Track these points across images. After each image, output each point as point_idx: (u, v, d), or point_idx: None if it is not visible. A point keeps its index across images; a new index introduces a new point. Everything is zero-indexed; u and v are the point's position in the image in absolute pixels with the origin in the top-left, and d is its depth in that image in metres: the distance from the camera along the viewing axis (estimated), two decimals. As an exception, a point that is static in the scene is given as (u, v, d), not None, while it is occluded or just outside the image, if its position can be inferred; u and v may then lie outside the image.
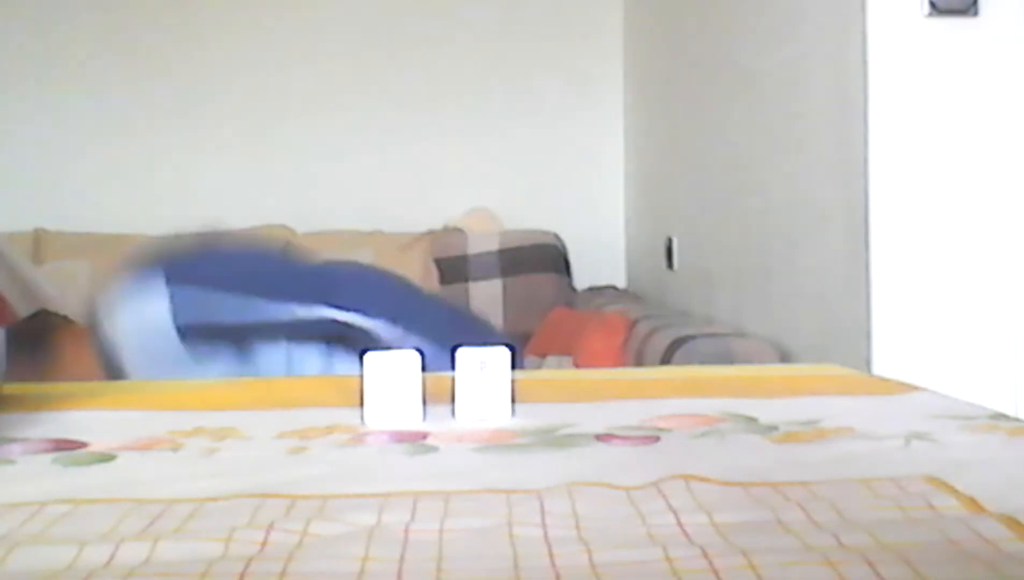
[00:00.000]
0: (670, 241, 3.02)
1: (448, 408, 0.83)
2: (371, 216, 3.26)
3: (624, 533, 0.50)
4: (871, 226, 1.78)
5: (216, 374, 1.42)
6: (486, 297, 3.11)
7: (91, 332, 1.46)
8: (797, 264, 2.13)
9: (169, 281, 1.41)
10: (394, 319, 1.41)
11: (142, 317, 1.42)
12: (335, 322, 1.40)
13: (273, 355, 1.44)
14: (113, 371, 1.46)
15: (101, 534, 0.51)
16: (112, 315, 1.45)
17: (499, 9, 3.46)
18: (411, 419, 0.81)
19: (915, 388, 0.95)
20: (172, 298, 1.40)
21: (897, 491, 0.57)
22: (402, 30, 3.42)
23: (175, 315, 1.39)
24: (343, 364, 1.42)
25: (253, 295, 1.42)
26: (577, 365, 2.38)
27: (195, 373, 1.41)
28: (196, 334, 1.41)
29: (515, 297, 3.09)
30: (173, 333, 1.40)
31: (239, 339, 1.43)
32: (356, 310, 1.40)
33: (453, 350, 1.12)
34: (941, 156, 1.77)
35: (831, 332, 1.96)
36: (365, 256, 2.89)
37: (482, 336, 1.69)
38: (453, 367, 0.85)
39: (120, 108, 3.39)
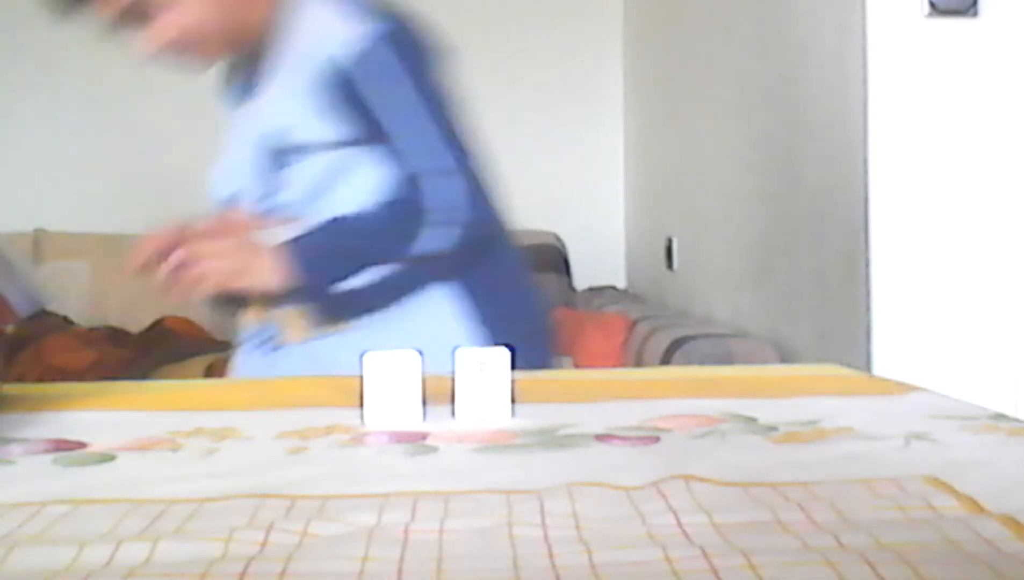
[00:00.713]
0: (670, 241, 3.02)
1: (448, 408, 0.83)
2: (371, 216, 3.25)
3: (624, 533, 0.50)
4: (871, 226, 1.78)
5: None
6: (486, 297, 3.10)
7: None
8: (797, 264, 2.12)
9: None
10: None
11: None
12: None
13: None
14: None
15: (101, 534, 0.51)
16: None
17: (499, 9, 3.46)
18: (411, 419, 0.81)
19: (915, 388, 0.95)
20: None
21: (897, 491, 0.57)
22: (402, 30, 3.42)
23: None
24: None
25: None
26: (577, 365, 2.38)
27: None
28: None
29: (515, 297, 3.08)
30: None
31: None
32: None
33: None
34: (941, 156, 1.77)
35: (831, 332, 1.96)
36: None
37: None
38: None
39: (121, 109, 3.38)
